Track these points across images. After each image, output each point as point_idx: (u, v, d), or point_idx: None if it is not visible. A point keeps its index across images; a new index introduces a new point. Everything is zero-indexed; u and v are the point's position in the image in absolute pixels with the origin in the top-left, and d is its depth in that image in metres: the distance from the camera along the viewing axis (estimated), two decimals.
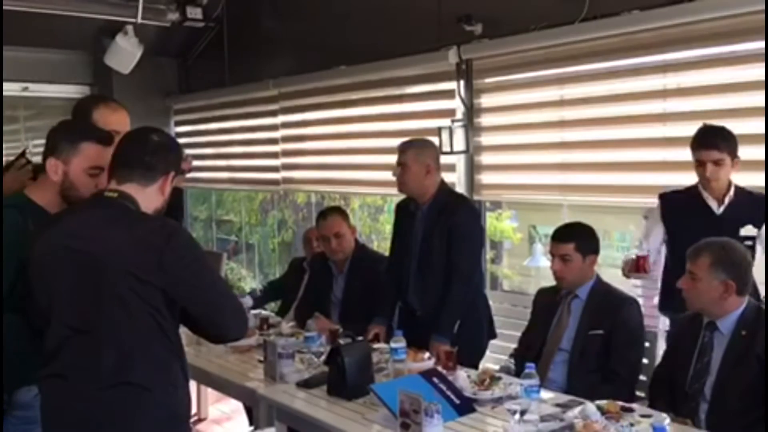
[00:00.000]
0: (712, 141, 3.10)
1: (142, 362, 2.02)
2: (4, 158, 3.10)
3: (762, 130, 3.13)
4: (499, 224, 5.03)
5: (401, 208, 3.81)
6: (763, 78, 3.14)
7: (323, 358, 3.15)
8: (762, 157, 3.11)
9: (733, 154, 3.10)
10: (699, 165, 3.13)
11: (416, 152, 3.58)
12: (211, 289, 2.09)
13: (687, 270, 2.73)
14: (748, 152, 3.23)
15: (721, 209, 3.15)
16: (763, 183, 3.11)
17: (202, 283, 2.07)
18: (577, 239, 3.23)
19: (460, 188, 4.39)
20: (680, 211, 3.25)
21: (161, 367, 2.06)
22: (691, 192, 3.24)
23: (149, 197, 2.13)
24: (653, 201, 3.72)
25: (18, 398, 2.36)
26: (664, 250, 3.39)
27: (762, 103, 3.14)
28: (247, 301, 4.22)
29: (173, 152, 2.22)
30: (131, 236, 2.01)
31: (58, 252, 2.06)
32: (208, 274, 2.10)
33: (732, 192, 3.15)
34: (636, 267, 3.24)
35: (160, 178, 2.14)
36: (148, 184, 2.12)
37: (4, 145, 5.44)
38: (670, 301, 3.22)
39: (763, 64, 3.14)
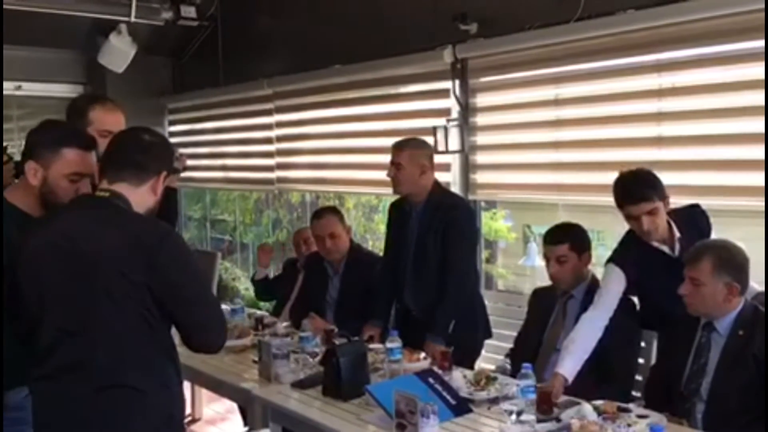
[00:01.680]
0: (640, 193, 2.85)
1: (135, 364, 2.01)
2: None
3: (759, 130, 3.12)
4: (494, 224, 5.02)
5: (395, 208, 3.81)
6: (758, 77, 3.14)
7: (318, 358, 3.15)
8: (761, 156, 3.10)
9: (663, 196, 2.88)
10: (632, 219, 2.90)
11: (411, 152, 3.56)
12: (197, 296, 2.08)
13: (687, 276, 2.69)
14: (745, 152, 3.24)
15: (677, 252, 2.93)
16: (762, 183, 3.09)
17: (189, 289, 2.06)
18: (571, 239, 3.23)
19: (455, 188, 4.38)
20: (639, 267, 2.95)
21: (154, 369, 2.05)
22: (638, 242, 2.96)
23: (141, 197, 2.12)
24: None
25: (9, 399, 2.34)
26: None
27: (757, 102, 3.14)
28: (237, 302, 4.21)
29: (165, 151, 2.22)
30: (123, 236, 2.00)
31: (49, 253, 2.04)
32: (197, 282, 2.09)
33: (676, 230, 2.94)
34: (539, 402, 2.59)
35: (151, 177, 2.13)
36: (139, 184, 2.11)
37: None
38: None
39: (757, 63, 3.13)
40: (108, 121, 2.82)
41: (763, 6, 2.99)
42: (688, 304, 2.71)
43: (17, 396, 2.31)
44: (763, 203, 3.09)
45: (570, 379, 2.76)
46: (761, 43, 3.09)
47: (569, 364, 2.80)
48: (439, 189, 3.65)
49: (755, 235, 3.19)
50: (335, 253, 4.06)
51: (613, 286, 2.98)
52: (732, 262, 2.65)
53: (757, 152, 3.14)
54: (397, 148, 3.59)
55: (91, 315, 2.00)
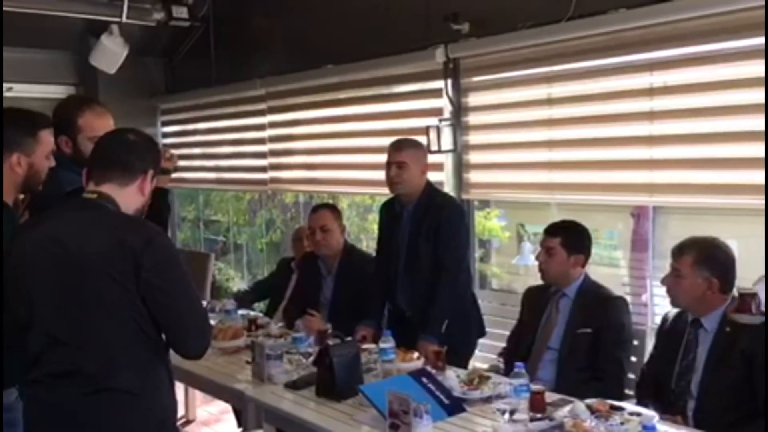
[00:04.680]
0: None
1: (125, 367, 2.01)
2: None
3: (751, 127, 3.13)
4: (488, 223, 5.02)
5: (386, 209, 3.81)
6: (750, 75, 3.15)
7: (312, 358, 3.14)
8: (753, 154, 3.10)
9: None
10: None
11: (415, 151, 3.59)
12: (181, 301, 2.06)
13: (671, 267, 2.75)
14: (736, 150, 3.24)
15: None
16: (762, 181, 3.09)
17: (173, 293, 2.04)
18: (564, 235, 3.26)
19: (448, 187, 4.38)
20: None
21: (145, 371, 2.05)
22: None
23: (129, 197, 2.12)
24: (641, 199, 3.74)
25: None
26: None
27: (749, 100, 3.14)
28: (230, 303, 4.20)
29: (150, 150, 2.22)
30: (110, 239, 2.00)
31: (37, 257, 2.03)
32: (180, 286, 2.07)
33: None
34: (530, 405, 2.54)
35: (138, 177, 2.14)
36: (126, 184, 2.11)
37: None
38: None
39: (750, 61, 3.14)
40: (99, 126, 2.83)
41: (755, 4, 3.00)
42: (669, 296, 2.76)
43: (9, 398, 2.30)
44: (752, 200, 3.10)
45: None
46: (753, 41, 3.10)
47: None
48: (430, 189, 3.66)
49: (747, 233, 3.20)
50: (325, 247, 4.05)
51: None
52: (714, 258, 2.69)
53: (748, 150, 3.15)
54: (398, 148, 3.60)
55: (81, 319, 1.99)
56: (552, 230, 3.32)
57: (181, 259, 2.11)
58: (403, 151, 3.56)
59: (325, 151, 5.34)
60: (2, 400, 2.29)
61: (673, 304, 2.81)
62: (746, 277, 2.92)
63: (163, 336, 2.10)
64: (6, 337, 2.14)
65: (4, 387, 2.28)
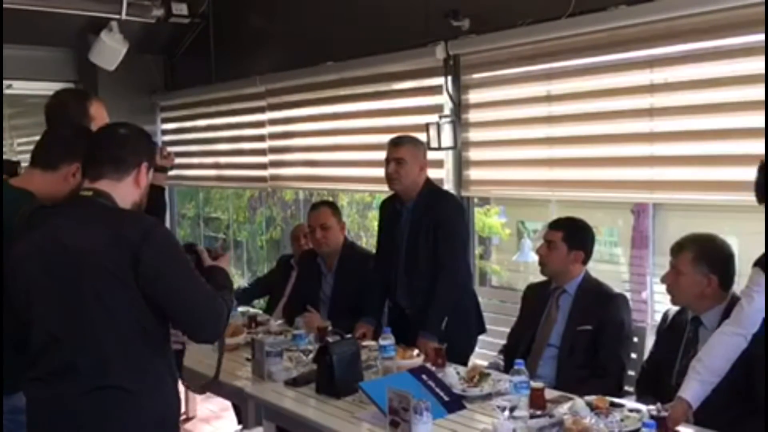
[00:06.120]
0: None
1: (124, 365, 2.00)
2: None
3: (751, 124, 3.13)
4: (488, 220, 5.02)
5: (386, 206, 3.82)
6: (749, 72, 3.14)
7: (312, 356, 3.15)
8: (753, 151, 3.10)
9: None
10: None
11: (413, 148, 3.60)
12: (187, 288, 2.06)
13: (670, 264, 2.75)
14: (737, 147, 3.24)
15: None
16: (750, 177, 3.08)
17: (178, 281, 2.04)
18: (566, 229, 3.28)
19: (448, 184, 4.38)
20: None
21: (144, 369, 2.04)
22: None
23: (124, 191, 2.11)
24: (641, 196, 3.74)
25: (16, 402, 2.32)
26: None
27: (749, 97, 3.14)
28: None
29: (142, 143, 2.21)
30: (107, 234, 1.99)
31: (36, 256, 2.03)
32: (185, 273, 2.07)
33: None
34: (530, 402, 2.57)
35: (132, 170, 2.13)
36: (121, 178, 2.11)
37: None
38: None
39: (749, 58, 3.14)
40: (104, 114, 2.88)
41: (755, 1, 3.00)
42: (670, 293, 2.76)
43: (19, 401, 2.29)
44: (752, 197, 3.09)
45: (695, 405, 2.40)
46: (753, 37, 3.10)
47: (694, 388, 2.41)
48: (430, 186, 3.66)
49: (746, 230, 3.20)
50: (325, 245, 4.06)
51: (763, 299, 2.36)
52: (714, 254, 2.69)
53: (748, 146, 3.15)
54: (396, 145, 3.61)
55: (78, 316, 1.99)
56: (555, 224, 3.35)
57: (181, 247, 2.10)
58: (402, 148, 3.57)
59: (324, 148, 5.34)
60: (2, 400, 2.28)
61: (673, 301, 2.81)
62: (746, 274, 2.92)
63: (165, 333, 2.10)
64: (11, 339, 2.13)
65: (15, 390, 2.27)
